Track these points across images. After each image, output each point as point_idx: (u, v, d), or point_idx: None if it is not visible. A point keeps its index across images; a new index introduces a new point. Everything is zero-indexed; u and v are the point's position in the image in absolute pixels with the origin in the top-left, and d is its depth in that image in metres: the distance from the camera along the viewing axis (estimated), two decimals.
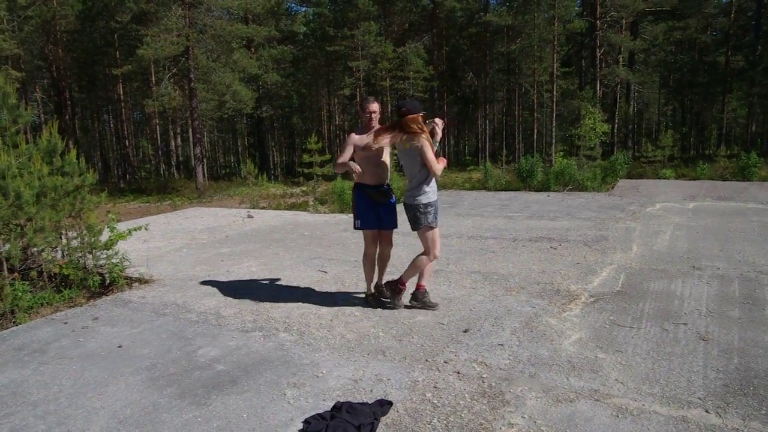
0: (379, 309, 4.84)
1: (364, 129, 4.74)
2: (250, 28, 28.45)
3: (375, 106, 4.76)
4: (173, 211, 14.19)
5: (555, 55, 32.73)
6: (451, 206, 11.77)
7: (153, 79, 32.22)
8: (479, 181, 17.71)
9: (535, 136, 35.78)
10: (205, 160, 30.16)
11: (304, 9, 43.03)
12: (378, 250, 5.01)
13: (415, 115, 4.46)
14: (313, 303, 5.08)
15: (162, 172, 40.77)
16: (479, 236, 8.05)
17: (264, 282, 5.96)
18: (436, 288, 5.31)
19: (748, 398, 3.02)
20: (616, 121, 35.59)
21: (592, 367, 3.48)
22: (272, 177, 35.34)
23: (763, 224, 8.22)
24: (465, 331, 4.20)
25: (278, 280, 6.03)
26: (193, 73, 25.37)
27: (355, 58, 32.58)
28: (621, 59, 35.98)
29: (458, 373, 3.47)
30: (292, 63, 38.29)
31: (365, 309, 4.85)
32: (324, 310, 4.88)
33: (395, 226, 4.96)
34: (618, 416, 2.87)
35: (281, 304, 5.06)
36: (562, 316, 4.48)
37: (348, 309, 4.87)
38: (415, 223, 4.61)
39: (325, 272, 6.28)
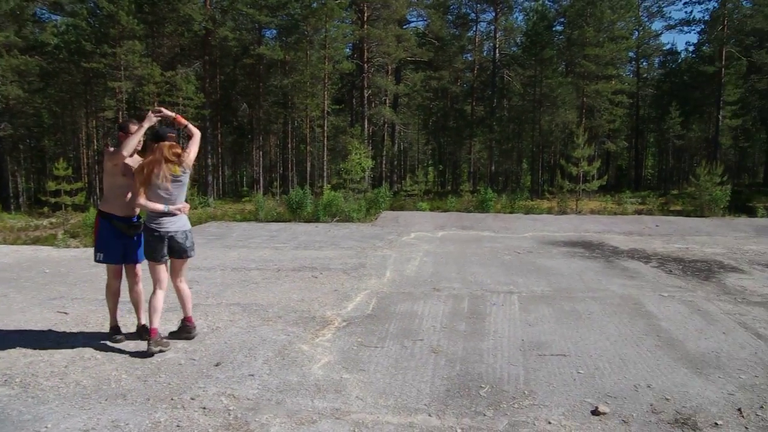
0: (124, 347, 4.50)
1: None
2: None
3: None
4: None
5: (326, 93, 34.32)
6: (219, 238, 11.48)
7: None
8: (251, 213, 17.61)
9: (308, 168, 36.87)
10: None
11: (56, 18, 38.74)
12: (128, 287, 4.70)
13: (172, 142, 4.37)
14: (46, 349, 4.51)
15: None
16: (244, 268, 7.99)
17: None
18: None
19: (463, 399, 3.49)
20: (383, 157, 38.55)
21: (337, 387, 3.68)
22: (13, 207, 30.73)
23: (492, 249, 9.59)
24: (216, 365, 4.12)
25: (4, 325, 5.24)
26: None
27: (117, 78, 30.26)
28: (387, 101, 39.22)
29: (204, 408, 3.38)
30: (40, 77, 34.02)
31: (109, 350, 4.47)
32: (58, 355, 4.36)
33: (142, 258, 4.70)
34: (355, 431, 3.07)
35: (3, 354, 4.40)
36: (314, 341, 4.65)
37: (89, 352, 4.43)
38: (191, 250, 4.53)
39: (66, 313, 5.64)
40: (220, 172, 41.33)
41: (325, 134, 35.08)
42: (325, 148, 35.29)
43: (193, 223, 15.21)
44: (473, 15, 43.49)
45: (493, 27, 42.24)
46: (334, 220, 15.23)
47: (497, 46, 41.79)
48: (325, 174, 34.50)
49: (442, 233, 12.16)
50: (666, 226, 14.43)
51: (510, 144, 41.30)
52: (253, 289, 6.64)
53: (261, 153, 39.60)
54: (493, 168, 42.07)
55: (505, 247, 9.87)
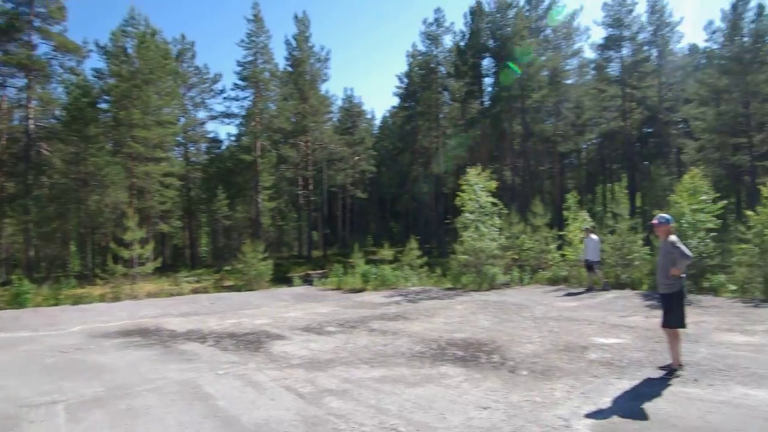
0: None
1: None
2: None
3: None
4: None
5: None
6: None
7: None
8: None
9: None
10: None
11: None
12: None
13: None
14: None
15: None
16: None
17: None
18: None
19: None
20: None
21: None
22: None
23: (30, 353, 8.25)
24: None
25: None
26: None
27: None
28: None
29: None
30: None
31: None
32: None
33: None
34: None
35: None
36: None
37: None
38: None
39: None
40: None
41: None
42: None
43: None
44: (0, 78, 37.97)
45: (25, 95, 37.67)
46: None
47: (31, 116, 37.34)
48: None
49: None
50: (220, 302, 15.26)
51: (53, 225, 37.06)
52: None
53: None
54: (32, 253, 36.87)
55: (48, 348, 8.63)
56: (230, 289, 23.06)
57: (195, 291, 22.46)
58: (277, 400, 5.57)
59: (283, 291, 18.92)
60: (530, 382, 6.13)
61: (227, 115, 49.34)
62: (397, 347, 8.20)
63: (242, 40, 44.70)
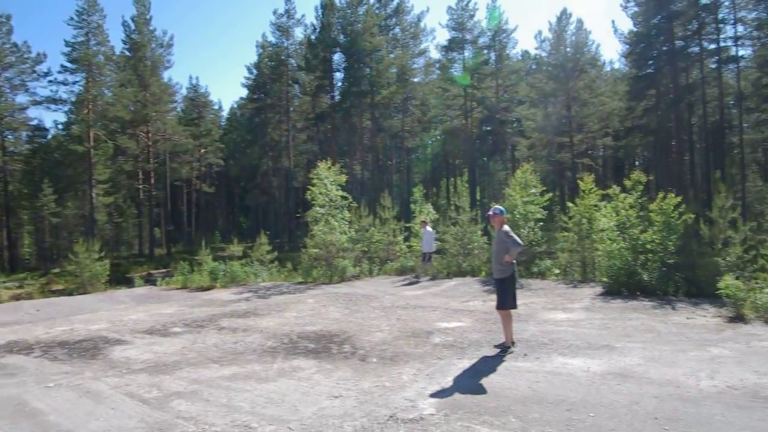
0: None
1: None
2: None
3: None
4: None
5: None
6: None
7: None
8: None
9: None
10: None
11: None
12: None
13: None
14: None
15: None
16: None
17: None
18: None
19: None
20: None
21: None
22: None
23: None
24: None
25: None
26: None
27: None
28: None
29: None
30: None
31: None
32: None
33: None
34: None
35: None
36: None
37: None
38: None
39: None
40: None
41: None
42: None
43: None
44: None
45: None
46: None
47: None
48: None
49: None
50: (49, 309, 13.85)
51: None
52: None
53: None
54: None
55: None
56: (60, 293, 21.00)
57: (16, 297, 20.14)
58: (118, 409, 5.22)
59: (123, 293, 17.63)
60: (380, 368, 6.37)
61: (54, 101, 44.16)
62: (248, 344, 8.06)
63: (71, 18, 40.60)
